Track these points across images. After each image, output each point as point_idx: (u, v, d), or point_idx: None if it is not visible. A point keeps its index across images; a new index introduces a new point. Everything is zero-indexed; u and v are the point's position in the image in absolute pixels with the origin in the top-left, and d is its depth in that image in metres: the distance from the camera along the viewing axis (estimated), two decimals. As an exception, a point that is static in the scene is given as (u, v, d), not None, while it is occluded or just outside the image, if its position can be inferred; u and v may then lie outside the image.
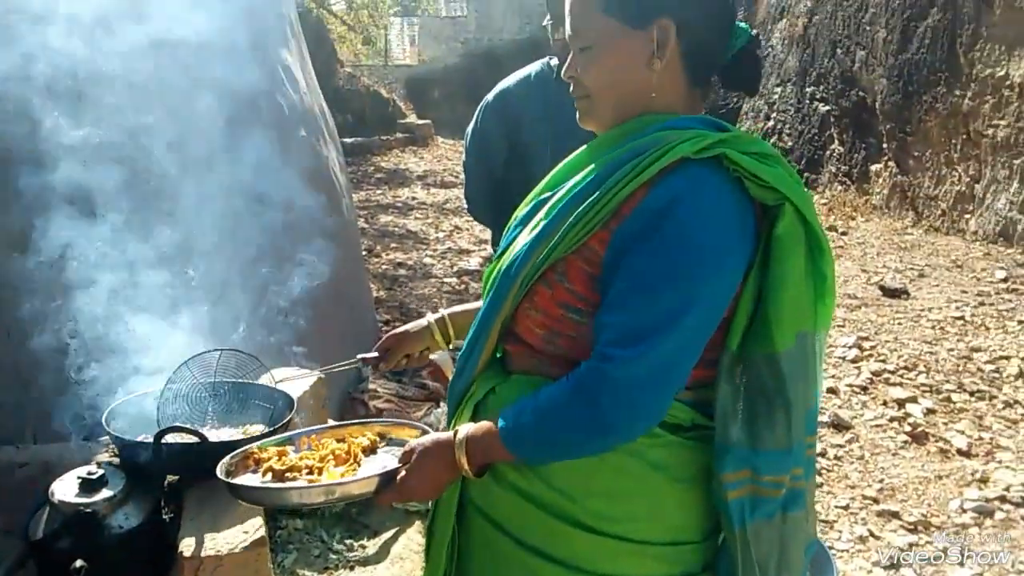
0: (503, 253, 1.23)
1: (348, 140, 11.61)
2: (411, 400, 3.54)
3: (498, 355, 1.25)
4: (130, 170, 2.62)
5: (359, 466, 1.35)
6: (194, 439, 1.55)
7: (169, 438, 1.58)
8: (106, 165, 2.52)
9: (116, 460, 1.70)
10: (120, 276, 2.18)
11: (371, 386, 3.61)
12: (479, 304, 1.55)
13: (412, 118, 15.27)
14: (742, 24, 1.17)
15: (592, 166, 1.14)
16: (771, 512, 1.13)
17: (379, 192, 10.05)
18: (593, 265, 1.09)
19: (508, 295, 1.15)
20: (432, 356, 4.17)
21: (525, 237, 1.16)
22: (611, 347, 1.04)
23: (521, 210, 1.26)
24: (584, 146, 1.24)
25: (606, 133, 1.19)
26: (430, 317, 1.56)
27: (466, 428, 1.15)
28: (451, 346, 1.59)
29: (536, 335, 1.16)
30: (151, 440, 1.55)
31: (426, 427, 1.44)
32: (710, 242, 1.04)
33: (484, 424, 1.14)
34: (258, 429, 1.72)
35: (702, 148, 1.05)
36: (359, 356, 1.64)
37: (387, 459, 1.37)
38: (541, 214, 1.16)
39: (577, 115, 1.21)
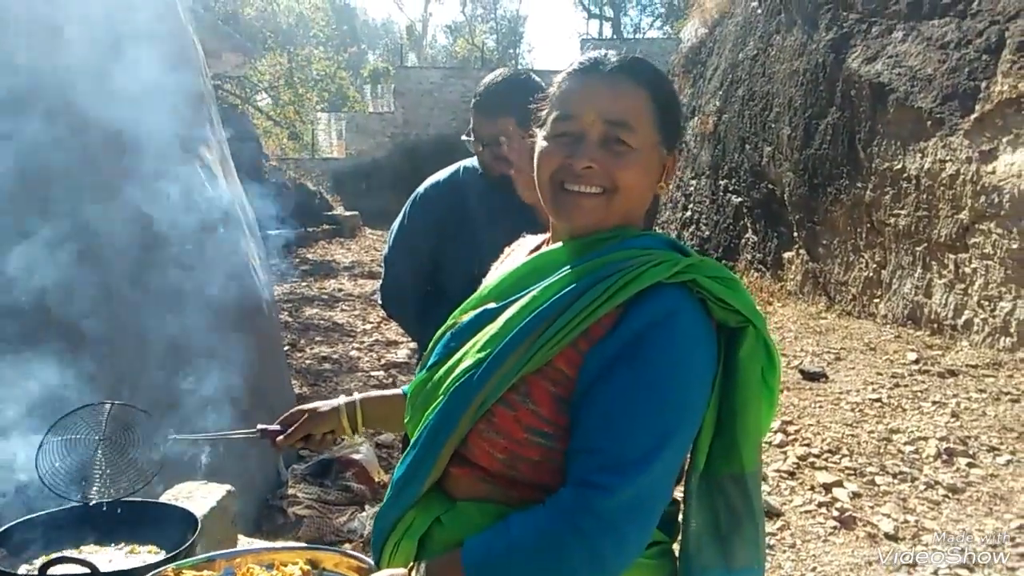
0: (437, 365, 1.16)
1: (273, 232, 11.50)
2: (334, 505, 3.37)
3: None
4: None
5: None
6: (84, 570, 1.41)
7: (56, 569, 1.43)
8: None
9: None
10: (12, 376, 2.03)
11: (291, 491, 3.43)
12: (396, 392, 1.50)
13: (339, 210, 15.28)
14: None
15: (552, 280, 1.09)
16: None
17: (304, 284, 9.91)
18: (559, 386, 1.05)
19: (463, 415, 1.07)
20: (356, 456, 4.02)
21: (476, 353, 1.09)
22: (597, 475, 0.99)
23: (460, 318, 1.19)
24: (526, 254, 1.21)
25: (560, 246, 1.15)
26: (342, 400, 1.48)
27: (423, 565, 1.05)
28: (356, 435, 1.51)
29: (494, 459, 1.08)
30: (36, 573, 1.40)
31: (362, 558, 1.33)
32: (688, 366, 1.04)
33: (444, 560, 1.05)
34: (148, 550, 1.58)
35: (675, 273, 1.05)
36: (259, 427, 1.54)
37: None
38: (493, 328, 1.10)
39: (573, 207, 1.12)
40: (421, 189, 2.47)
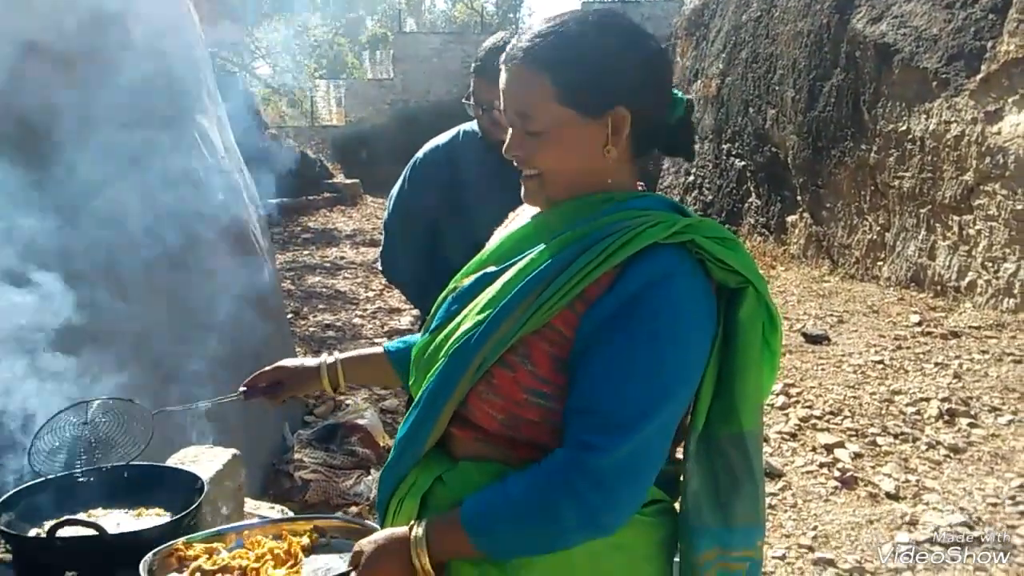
0: (439, 328, 1.17)
1: (274, 201, 11.47)
2: (339, 469, 3.41)
3: None
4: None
5: (301, 568, 1.24)
6: (92, 532, 1.43)
7: (65, 531, 1.45)
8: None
9: (7, 557, 1.56)
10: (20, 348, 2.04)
11: (297, 455, 3.47)
12: (375, 350, 1.51)
13: (340, 178, 15.21)
14: (678, 93, 1.18)
15: (549, 244, 1.10)
16: None
17: (306, 253, 9.91)
18: (557, 347, 1.06)
19: (462, 377, 1.09)
20: (361, 421, 4.05)
21: (476, 315, 1.10)
22: (591, 434, 1.00)
23: (461, 282, 1.20)
24: (529, 218, 1.21)
25: (558, 208, 1.16)
26: (324, 358, 1.50)
27: (423, 523, 1.07)
28: (337, 392, 1.52)
29: (494, 420, 1.09)
30: (44, 535, 1.42)
31: (365, 522, 1.35)
32: (685, 326, 1.04)
33: (444, 518, 1.06)
34: (155, 512, 1.60)
35: (672, 233, 1.05)
36: (240, 389, 1.54)
37: (331, 559, 1.27)
38: (492, 291, 1.11)
39: (523, 192, 1.18)
40: (420, 154, 2.45)
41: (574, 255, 1.05)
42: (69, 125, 2.74)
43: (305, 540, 1.31)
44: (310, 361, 1.52)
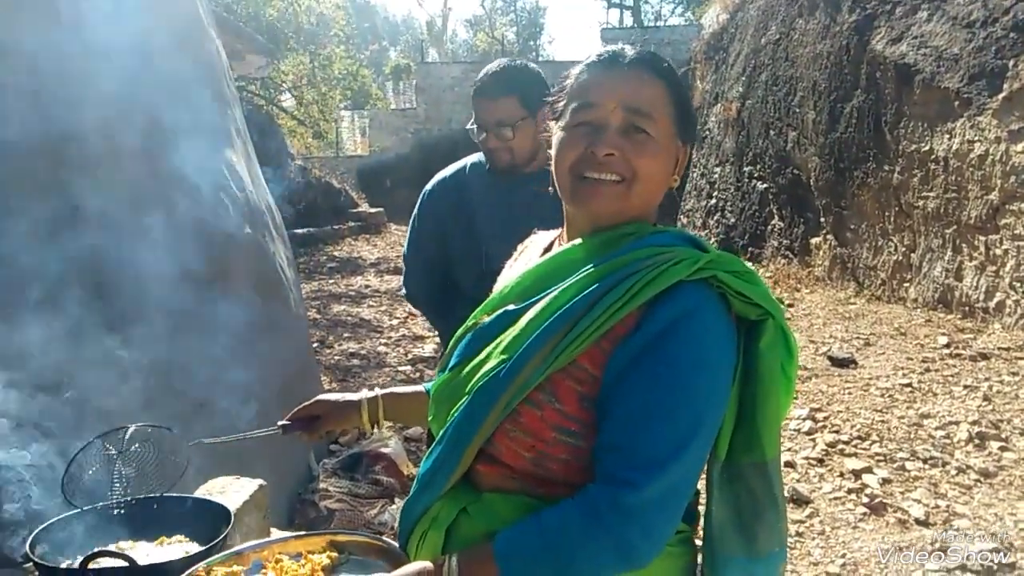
0: (460, 365, 1.18)
1: (300, 231, 11.64)
2: (364, 498, 3.43)
3: None
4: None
5: None
6: (123, 563, 1.46)
7: (97, 563, 1.49)
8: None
9: (41, 588, 1.60)
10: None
11: (322, 485, 3.50)
12: (416, 388, 1.51)
13: (364, 207, 15.39)
14: None
15: (573, 280, 1.10)
16: None
17: (331, 282, 10.01)
18: (584, 384, 1.07)
19: (488, 416, 1.09)
20: (385, 449, 4.07)
21: (499, 354, 1.11)
22: (625, 471, 1.01)
23: (481, 318, 1.20)
24: (544, 255, 1.23)
25: (579, 243, 1.16)
26: (364, 394, 1.50)
27: (455, 556, 1.06)
28: (375, 429, 1.53)
29: (521, 457, 1.10)
30: (76, 567, 1.46)
31: (385, 540, 1.34)
32: (712, 360, 1.06)
33: (476, 551, 1.06)
34: (176, 540, 1.63)
35: (696, 270, 1.07)
36: (279, 423, 1.55)
37: None
38: (516, 330, 1.11)
39: (593, 198, 1.14)
40: (429, 186, 2.51)
41: (600, 294, 1.06)
42: (95, 151, 2.83)
43: (325, 560, 1.31)
44: (351, 396, 1.52)
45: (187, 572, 1.29)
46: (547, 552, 1.02)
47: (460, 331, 1.23)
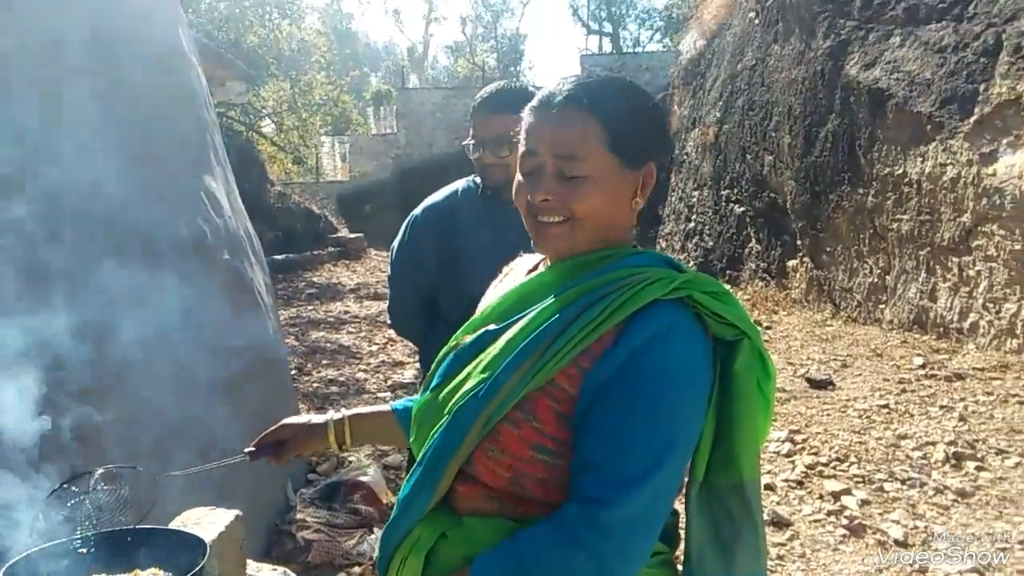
0: (440, 386, 1.18)
1: (279, 257, 11.60)
2: (342, 528, 3.39)
3: None
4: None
5: None
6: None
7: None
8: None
9: (8, 625, 1.56)
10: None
11: (299, 515, 3.45)
12: (382, 408, 1.52)
13: (344, 232, 15.38)
14: None
15: (550, 300, 1.12)
16: None
17: (310, 308, 9.96)
18: (561, 403, 1.08)
19: (467, 435, 1.10)
20: (364, 478, 4.03)
21: (479, 374, 1.12)
22: (600, 489, 1.02)
23: (462, 339, 1.21)
24: (524, 274, 1.24)
25: (559, 265, 1.18)
26: (330, 415, 1.49)
27: None
28: (342, 449, 1.51)
29: (499, 477, 1.11)
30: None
31: None
32: (688, 380, 1.07)
33: None
34: (151, 572, 1.60)
35: (672, 289, 1.08)
36: (246, 450, 1.54)
37: None
38: (495, 349, 1.12)
39: (543, 239, 1.17)
40: (418, 211, 2.49)
41: (577, 313, 1.08)
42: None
43: None
44: (316, 418, 1.52)
45: None
46: (524, 573, 1.02)
47: (443, 351, 1.24)
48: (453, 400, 1.13)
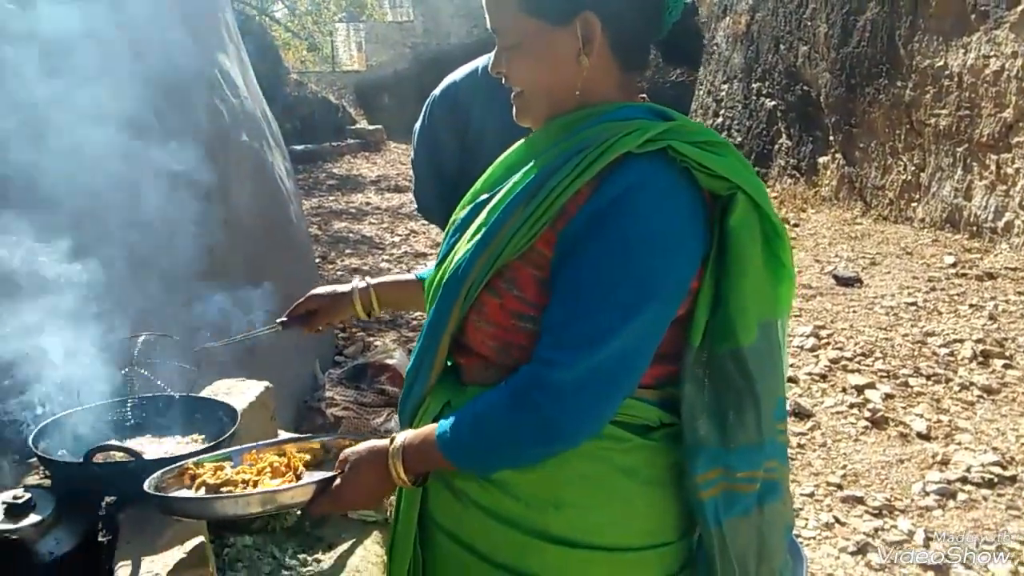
0: (443, 261, 1.17)
1: (298, 147, 11.45)
2: (370, 407, 3.44)
3: (449, 363, 1.18)
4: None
5: (298, 479, 1.27)
6: (128, 457, 1.44)
7: (103, 456, 1.47)
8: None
9: (45, 483, 1.59)
10: (36, 288, 2.05)
11: (328, 393, 3.50)
12: (407, 276, 1.56)
13: (362, 124, 15.11)
14: None
15: (531, 164, 1.08)
16: (747, 507, 1.09)
17: (332, 199, 9.90)
18: (541, 269, 1.04)
19: (453, 307, 1.09)
20: (390, 360, 4.07)
21: (466, 244, 1.10)
22: (552, 350, 1.00)
23: (459, 213, 1.20)
24: (520, 141, 1.19)
25: (543, 128, 1.14)
26: (356, 284, 1.52)
27: (403, 436, 1.10)
28: (371, 316, 1.57)
29: (488, 347, 1.09)
30: (81, 460, 1.44)
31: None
32: (663, 238, 1.00)
33: (422, 431, 1.09)
34: (192, 438, 1.62)
35: (646, 141, 1.00)
36: (278, 320, 1.58)
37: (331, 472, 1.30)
38: (481, 218, 1.10)
39: (514, 112, 1.17)
40: (437, 91, 2.40)
41: (548, 173, 1.03)
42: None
43: (308, 456, 1.34)
44: (343, 287, 1.54)
45: (176, 464, 1.32)
46: (477, 432, 1.04)
47: (447, 226, 1.23)
48: (447, 274, 1.12)
